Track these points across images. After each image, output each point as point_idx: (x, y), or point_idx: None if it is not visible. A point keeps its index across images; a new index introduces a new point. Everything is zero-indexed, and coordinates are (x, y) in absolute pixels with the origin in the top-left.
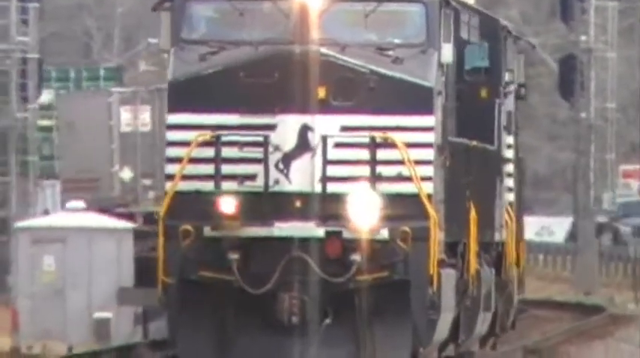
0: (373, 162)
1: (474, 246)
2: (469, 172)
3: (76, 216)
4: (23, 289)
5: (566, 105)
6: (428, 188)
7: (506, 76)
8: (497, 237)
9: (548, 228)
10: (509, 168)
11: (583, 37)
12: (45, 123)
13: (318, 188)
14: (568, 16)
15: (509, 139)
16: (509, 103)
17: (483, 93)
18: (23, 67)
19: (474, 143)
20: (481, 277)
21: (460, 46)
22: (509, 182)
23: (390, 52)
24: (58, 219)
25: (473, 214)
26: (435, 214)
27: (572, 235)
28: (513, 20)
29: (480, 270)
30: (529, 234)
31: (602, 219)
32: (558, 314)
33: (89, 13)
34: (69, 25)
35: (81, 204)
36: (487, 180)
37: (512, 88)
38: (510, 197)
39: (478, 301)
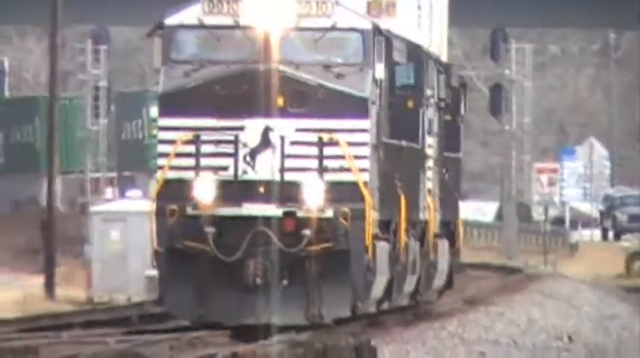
0: (321, 156)
1: (403, 224)
2: (400, 166)
3: (134, 201)
4: (96, 255)
5: (494, 120)
6: (364, 177)
7: (428, 91)
8: (421, 216)
9: (481, 210)
10: (431, 163)
11: (507, 71)
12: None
13: (277, 177)
14: (496, 55)
15: (431, 140)
16: (430, 112)
17: (410, 103)
18: (96, 93)
19: (404, 143)
20: (409, 248)
21: (392, 67)
22: (429, 173)
23: (334, 70)
24: (121, 204)
25: (402, 199)
26: (369, 198)
27: (499, 215)
28: (458, 58)
29: (408, 243)
30: (466, 214)
31: (602, 207)
32: (488, 273)
33: (142, 53)
34: (129, 61)
35: (139, 192)
36: (413, 172)
37: (432, 100)
38: (429, 184)
39: (406, 267)
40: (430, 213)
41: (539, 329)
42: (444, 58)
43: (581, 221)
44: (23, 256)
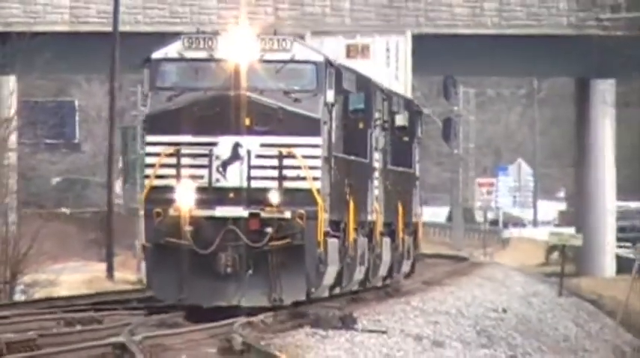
0: (280, 167)
1: (352, 224)
2: (349, 176)
3: None
4: None
5: (446, 145)
6: (317, 185)
7: (376, 115)
8: (369, 218)
9: (436, 213)
10: (377, 174)
11: (455, 108)
12: None
13: (245, 184)
14: (447, 96)
15: (377, 156)
16: (377, 132)
17: (360, 125)
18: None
19: (353, 157)
20: (358, 244)
21: (344, 94)
22: (376, 183)
23: (293, 95)
24: None
25: (351, 203)
26: (321, 202)
27: (449, 217)
28: (419, 98)
29: (357, 239)
30: (425, 217)
31: None
32: (442, 261)
33: None
34: None
35: None
36: (362, 182)
37: (379, 122)
38: (376, 192)
39: (355, 259)
40: (376, 215)
41: (480, 304)
42: (408, 92)
43: (511, 222)
44: (92, 248)
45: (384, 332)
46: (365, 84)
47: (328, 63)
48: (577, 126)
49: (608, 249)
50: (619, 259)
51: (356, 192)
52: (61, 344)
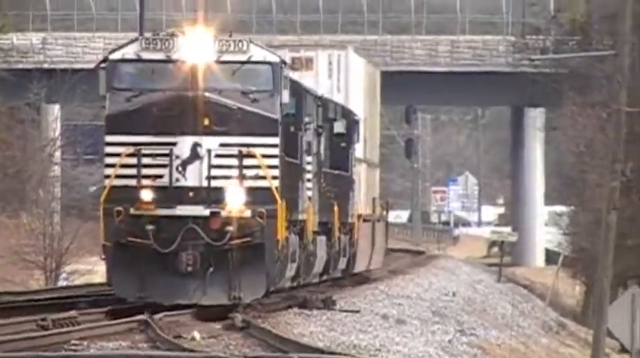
0: (240, 167)
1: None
2: (286, 176)
3: None
4: None
5: (407, 161)
6: (276, 183)
7: (307, 119)
8: (300, 217)
9: (399, 215)
10: (310, 176)
11: (415, 131)
12: None
13: (205, 183)
14: (409, 120)
15: (310, 159)
16: (310, 136)
17: (292, 128)
18: None
19: (287, 158)
20: (288, 241)
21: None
22: (309, 184)
23: (250, 96)
24: None
25: (284, 203)
26: (280, 201)
27: (410, 218)
28: (385, 123)
29: (288, 237)
30: (390, 218)
31: None
32: (404, 255)
33: None
34: None
35: None
36: (292, 182)
37: (311, 126)
38: (309, 193)
39: (287, 256)
40: (308, 214)
41: (435, 289)
42: (350, 103)
43: (460, 222)
44: None
45: (357, 312)
46: (297, 90)
47: (283, 63)
48: (513, 146)
49: (538, 244)
50: (547, 252)
51: (289, 192)
52: (95, 321)
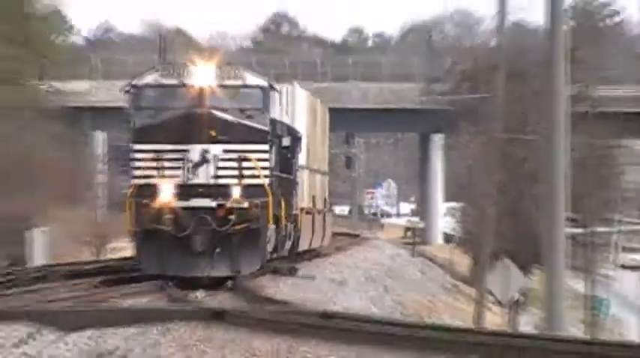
0: (239, 168)
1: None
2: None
3: None
4: None
5: (348, 171)
6: (267, 181)
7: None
8: (276, 211)
9: (343, 210)
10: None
11: (353, 150)
12: None
13: (212, 181)
14: (348, 142)
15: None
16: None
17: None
18: None
19: None
20: (285, 229)
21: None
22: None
23: (246, 112)
24: None
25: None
26: (270, 195)
27: (350, 211)
28: (332, 144)
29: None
30: (337, 211)
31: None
32: (345, 238)
33: None
34: None
35: None
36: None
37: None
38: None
39: (284, 236)
40: (281, 209)
41: (368, 261)
42: (302, 129)
43: (385, 214)
44: None
45: (313, 277)
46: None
47: (271, 86)
48: (421, 161)
49: (439, 229)
50: (445, 235)
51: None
52: (128, 283)
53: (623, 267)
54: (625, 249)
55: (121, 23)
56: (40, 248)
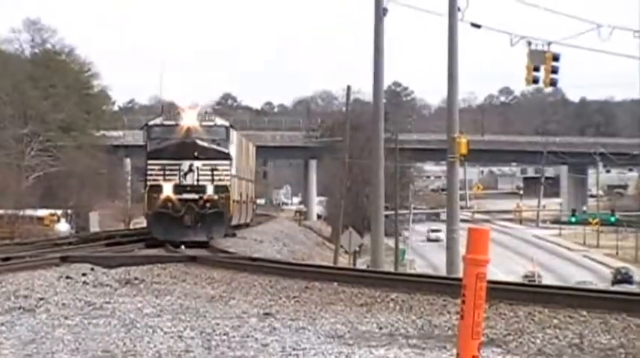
0: (212, 175)
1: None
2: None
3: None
4: None
5: (264, 180)
6: (228, 183)
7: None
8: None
9: (262, 201)
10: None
11: (267, 168)
12: None
13: (196, 183)
14: (265, 164)
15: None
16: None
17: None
18: None
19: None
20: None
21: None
22: (235, 181)
23: (216, 141)
24: None
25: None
26: (230, 191)
27: (265, 202)
28: (257, 165)
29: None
30: (259, 202)
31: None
32: (262, 217)
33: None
34: None
35: None
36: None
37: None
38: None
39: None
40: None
41: (275, 229)
42: (233, 154)
43: (284, 203)
44: None
45: (245, 238)
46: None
47: (231, 126)
48: (304, 175)
49: (314, 212)
50: (318, 215)
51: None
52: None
53: (429, 239)
54: (430, 231)
55: (139, 97)
56: (95, 222)
